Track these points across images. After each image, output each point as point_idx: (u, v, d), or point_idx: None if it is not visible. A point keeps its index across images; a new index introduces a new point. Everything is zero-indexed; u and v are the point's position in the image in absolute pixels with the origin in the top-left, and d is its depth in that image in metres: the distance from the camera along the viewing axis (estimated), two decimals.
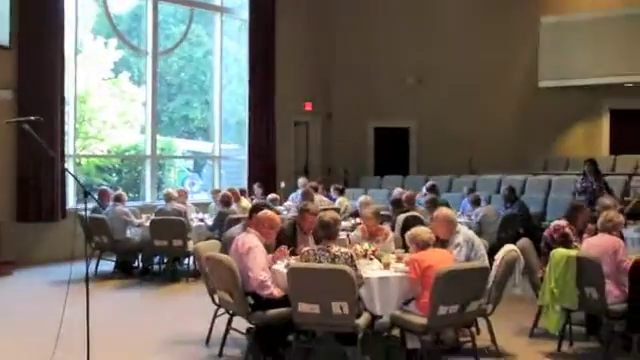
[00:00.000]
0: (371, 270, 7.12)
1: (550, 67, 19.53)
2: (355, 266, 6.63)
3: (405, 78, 20.07)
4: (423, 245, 6.93)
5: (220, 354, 7.28)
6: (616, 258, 7.34)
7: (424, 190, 14.06)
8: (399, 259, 7.58)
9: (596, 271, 7.14)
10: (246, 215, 11.77)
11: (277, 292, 6.89)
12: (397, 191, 14.06)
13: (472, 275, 6.69)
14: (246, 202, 13.47)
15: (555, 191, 15.94)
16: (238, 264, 6.86)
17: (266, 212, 7.42)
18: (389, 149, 20.47)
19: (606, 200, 9.38)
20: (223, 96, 18.08)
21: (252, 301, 6.87)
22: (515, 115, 19.95)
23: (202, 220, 12.69)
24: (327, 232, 6.89)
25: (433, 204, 10.74)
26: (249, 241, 7.00)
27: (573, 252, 7.40)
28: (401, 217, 10.32)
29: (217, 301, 7.55)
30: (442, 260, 6.75)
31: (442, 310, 6.43)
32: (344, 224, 10.19)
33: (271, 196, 14.40)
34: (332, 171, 19.96)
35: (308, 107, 19.57)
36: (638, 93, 20.07)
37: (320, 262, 6.60)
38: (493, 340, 7.39)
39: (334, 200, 14.57)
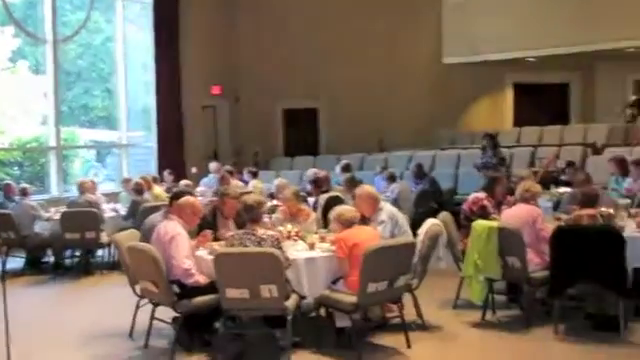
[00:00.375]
0: (296, 251, 7.04)
1: (454, 43, 19.82)
2: (281, 248, 6.54)
3: (311, 57, 19.87)
4: (348, 224, 6.88)
5: (146, 346, 7.06)
6: (535, 227, 7.47)
7: (337, 169, 14.03)
8: (322, 239, 7.51)
9: (517, 241, 7.26)
10: (160, 203, 11.66)
11: (202, 279, 6.74)
12: (311, 172, 13.96)
13: (400, 251, 6.67)
14: (159, 190, 13.20)
15: (464, 165, 16.15)
16: (161, 253, 6.67)
17: (188, 199, 7.25)
18: (298, 130, 20.37)
19: (522, 171, 9.51)
20: (127, 83, 17.63)
21: (177, 290, 6.70)
22: (421, 92, 20.10)
23: (115, 210, 12.34)
24: (251, 215, 6.78)
25: (352, 182, 10.66)
26: (172, 229, 6.82)
27: (494, 223, 7.49)
28: (323, 197, 10.23)
29: (139, 292, 7.33)
30: (368, 238, 6.71)
31: (371, 287, 6.39)
32: None
33: (184, 182, 14.13)
34: (242, 154, 19.72)
35: (215, 91, 19.22)
36: (539, 67, 20.52)
37: (246, 246, 6.48)
38: (419, 314, 7.43)
39: (247, 183, 14.39)
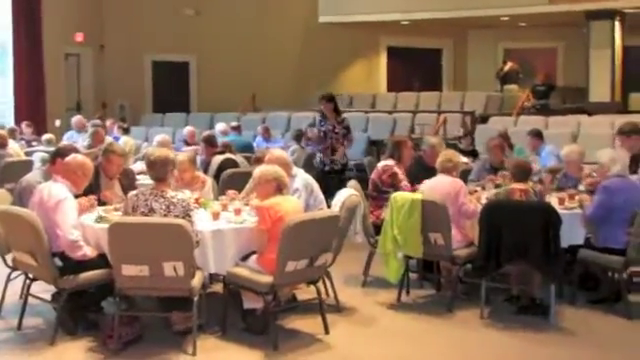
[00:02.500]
0: (200, 222, 6.11)
1: (330, 2, 19.42)
2: (191, 217, 5.63)
3: (182, 9, 18.89)
4: (282, 188, 6.00)
5: (19, 327, 5.99)
6: (458, 201, 6.86)
7: (220, 129, 13.03)
8: (224, 207, 6.64)
9: (443, 216, 6.62)
10: (20, 158, 10.44)
11: (91, 252, 5.75)
12: (187, 130, 13.06)
13: (322, 225, 5.87)
14: (15, 145, 11.79)
15: None
16: (43, 219, 5.61)
17: (76, 157, 6.15)
18: (168, 85, 19.14)
19: (432, 139, 8.82)
20: None
21: (60, 263, 5.67)
22: (296, 51, 19.75)
23: None
24: (157, 173, 5.77)
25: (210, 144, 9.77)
26: (58, 192, 5.74)
27: (417, 196, 6.80)
28: (217, 159, 9.21)
29: (10, 263, 6.25)
30: (294, 210, 5.89)
31: (290, 266, 5.60)
32: (135, 168, 9.03)
33: (46, 137, 12.85)
34: (106, 107, 18.36)
35: (79, 38, 17.72)
36: (413, 31, 20.48)
37: (152, 209, 5.53)
38: (333, 294, 6.69)
39: (117, 139, 13.15)
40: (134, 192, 5.82)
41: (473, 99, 18.34)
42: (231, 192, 7.12)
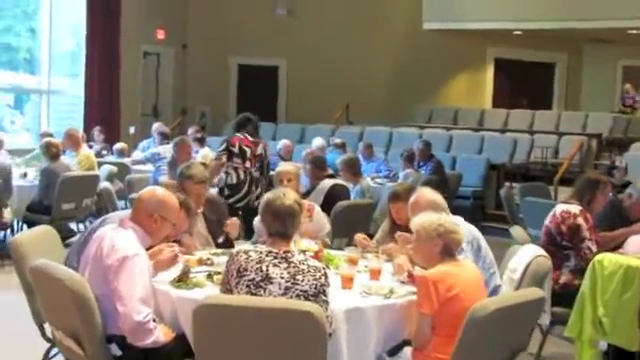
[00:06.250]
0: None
1: (436, 7, 17.72)
2: (326, 296, 3.64)
3: (274, 8, 17.23)
4: (452, 248, 3.99)
5: None
6: None
7: (316, 145, 11.12)
8: (352, 262, 4.63)
9: None
10: (88, 172, 8.73)
11: (164, 336, 3.76)
12: (284, 144, 11.34)
13: (523, 312, 3.81)
14: (88, 152, 10.00)
15: (459, 149, 13.53)
16: (96, 285, 3.66)
17: (154, 190, 4.09)
18: (255, 91, 17.41)
19: None
20: (54, 20, 14.63)
21: (119, 352, 3.71)
22: (395, 59, 17.82)
23: (25, 175, 9.05)
24: (287, 228, 3.78)
25: (352, 168, 7.85)
26: (125, 245, 3.75)
27: (636, 261, 4.68)
28: (325, 184, 7.17)
29: (49, 335, 4.34)
30: (476, 285, 3.84)
31: None
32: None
33: (118, 146, 11.12)
34: (186, 114, 16.81)
35: (160, 35, 16.17)
36: (524, 42, 18.69)
37: (269, 277, 3.57)
38: None
39: (196, 153, 11.23)
40: (245, 248, 3.80)
41: (597, 120, 16.41)
42: (360, 236, 5.11)
